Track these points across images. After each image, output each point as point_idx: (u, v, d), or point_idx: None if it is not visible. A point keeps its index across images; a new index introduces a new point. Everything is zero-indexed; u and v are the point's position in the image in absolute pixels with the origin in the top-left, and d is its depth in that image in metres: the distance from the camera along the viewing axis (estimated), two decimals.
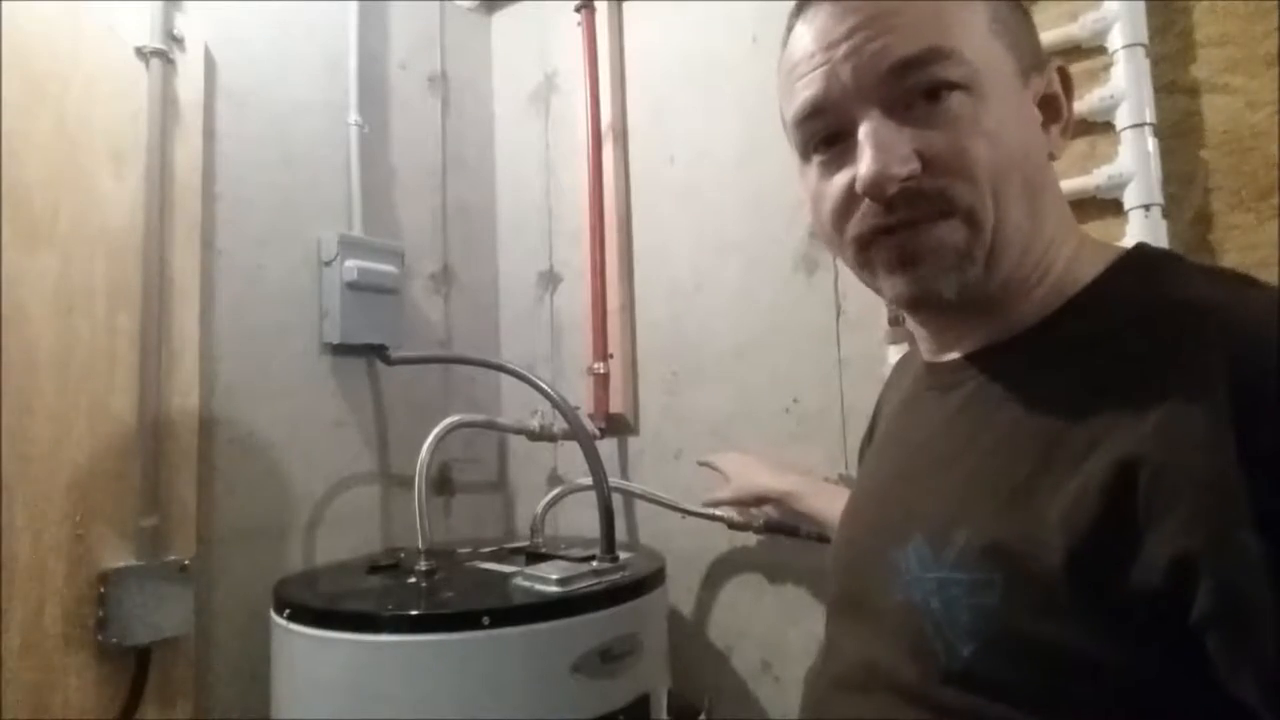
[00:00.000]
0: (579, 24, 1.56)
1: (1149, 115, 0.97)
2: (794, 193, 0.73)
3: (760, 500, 1.19)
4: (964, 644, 0.44)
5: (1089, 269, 0.50)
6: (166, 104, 1.16)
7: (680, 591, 1.38)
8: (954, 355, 0.56)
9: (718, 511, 1.29)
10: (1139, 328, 0.44)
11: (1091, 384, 0.44)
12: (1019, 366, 0.50)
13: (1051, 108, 0.54)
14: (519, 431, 1.49)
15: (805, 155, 0.55)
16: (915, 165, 0.47)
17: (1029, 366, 0.49)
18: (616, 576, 1.06)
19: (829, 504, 1.03)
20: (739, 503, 1.22)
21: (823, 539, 1.13)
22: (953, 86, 0.47)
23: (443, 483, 1.58)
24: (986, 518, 0.45)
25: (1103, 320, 0.47)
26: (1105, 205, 1.02)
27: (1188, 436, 0.38)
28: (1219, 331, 0.40)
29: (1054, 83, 0.54)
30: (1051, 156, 0.54)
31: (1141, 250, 0.52)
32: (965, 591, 0.45)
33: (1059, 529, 0.41)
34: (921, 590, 0.47)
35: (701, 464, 1.28)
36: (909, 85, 0.48)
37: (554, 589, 1.00)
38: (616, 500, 1.33)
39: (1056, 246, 0.52)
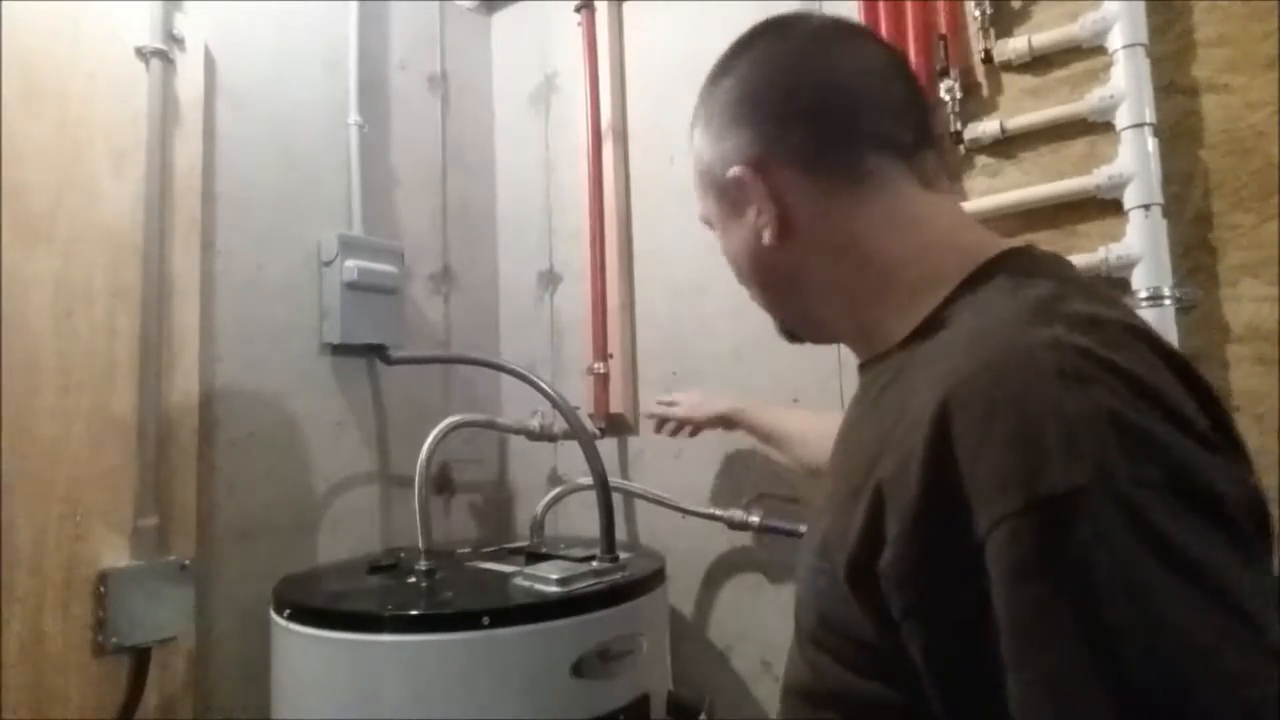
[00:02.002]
0: (579, 24, 1.56)
1: (1149, 115, 0.97)
2: None
3: (714, 420, 1.21)
4: (810, 615, 0.51)
5: (939, 291, 0.51)
6: (166, 104, 1.16)
7: (680, 591, 1.38)
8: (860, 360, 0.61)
9: (717, 512, 1.29)
10: (924, 373, 0.47)
11: (898, 410, 0.47)
12: (879, 381, 0.54)
13: (737, 205, 0.58)
14: (519, 431, 1.49)
15: None
16: None
17: (881, 384, 0.53)
18: (616, 576, 1.06)
19: (782, 416, 1.15)
20: (691, 420, 1.25)
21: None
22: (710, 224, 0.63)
23: (443, 483, 1.58)
24: (828, 516, 0.51)
25: (918, 355, 0.50)
26: (1105, 205, 1.02)
27: (904, 473, 0.41)
28: (943, 390, 0.42)
29: (729, 188, 0.57)
30: (784, 245, 0.56)
31: (983, 274, 0.50)
32: (812, 574, 0.51)
33: (850, 534, 0.45)
34: (806, 576, 0.54)
35: (659, 402, 1.31)
36: None
37: (554, 589, 1.00)
38: (616, 500, 1.33)
39: (865, 305, 0.55)
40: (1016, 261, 0.50)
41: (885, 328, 0.53)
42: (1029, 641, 0.35)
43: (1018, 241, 0.53)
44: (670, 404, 1.28)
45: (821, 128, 0.54)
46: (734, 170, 0.56)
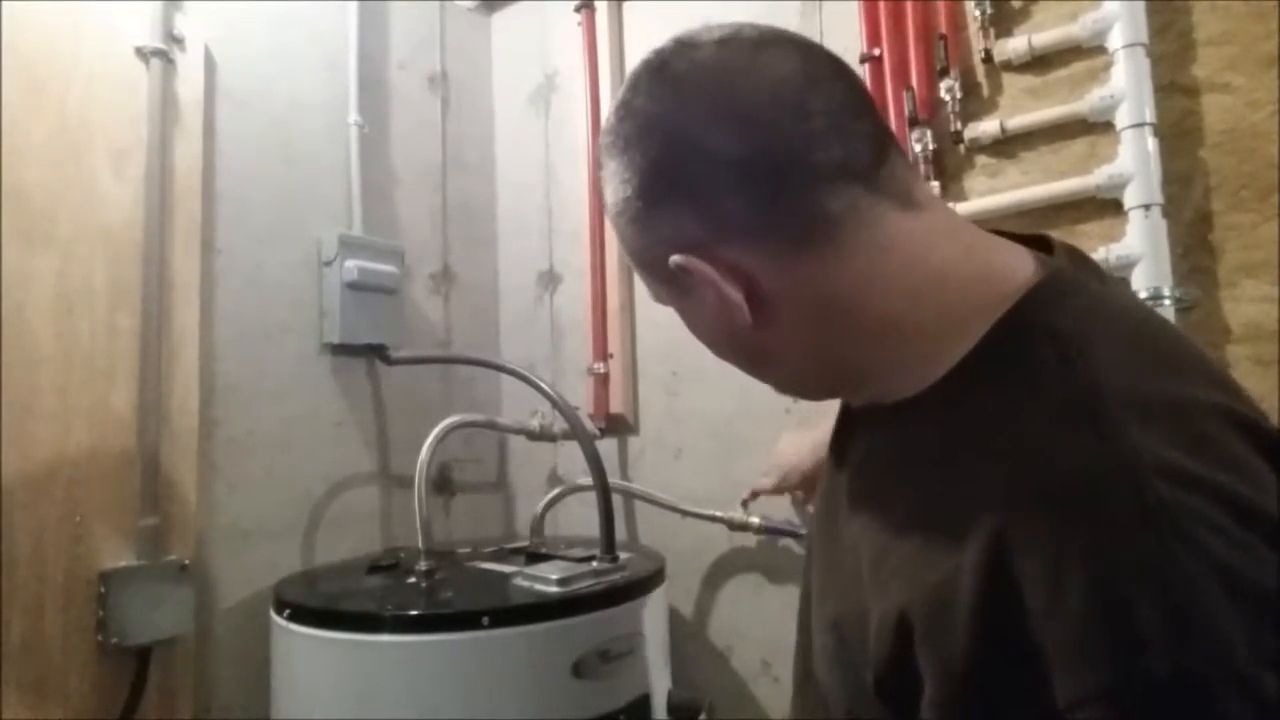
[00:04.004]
0: (579, 24, 1.56)
1: (1149, 115, 0.97)
2: None
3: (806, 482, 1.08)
4: (839, 704, 0.46)
5: (956, 342, 0.43)
6: (166, 104, 1.16)
7: (680, 591, 1.38)
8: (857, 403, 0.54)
9: (717, 513, 1.29)
10: (944, 467, 0.40)
11: (912, 504, 0.42)
12: (884, 447, 0.48)
13: (692, 290, 0.47)
14: (519, 431, 1.49)
15: None
16: None
17: (888, 453, 0.47)
18: (616, 576, 1.06)
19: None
20: (784, 488, 1.11)
21: None
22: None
23: (443, 483, 1.58)
24: (835, 594, 0.47)
25: (933, 432, 0.43)
26: (1105, 205, 1.02)
27: (946, 617, 0.36)
28: (992, 518, 0.35)
29: (676, 276, 0.46)
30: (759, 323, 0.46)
31: (1014, 327, 0.42)
32: (830, 660, 0.47)
33: (870, 646, 0.41)
34: (824, 660, 0.49)
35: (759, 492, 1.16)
36: None
37: (554, 589, 1.00)
38: (616, 500, 1.33)
39: (864, 361, 0.47)
40: (1056, 300, 0.41)
41: (890, 383, 0.46)
42: None
43: (1038, 262, 0.45)
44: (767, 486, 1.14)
45: (757, 184, 0.43)
46: (675, 259, 0.45)
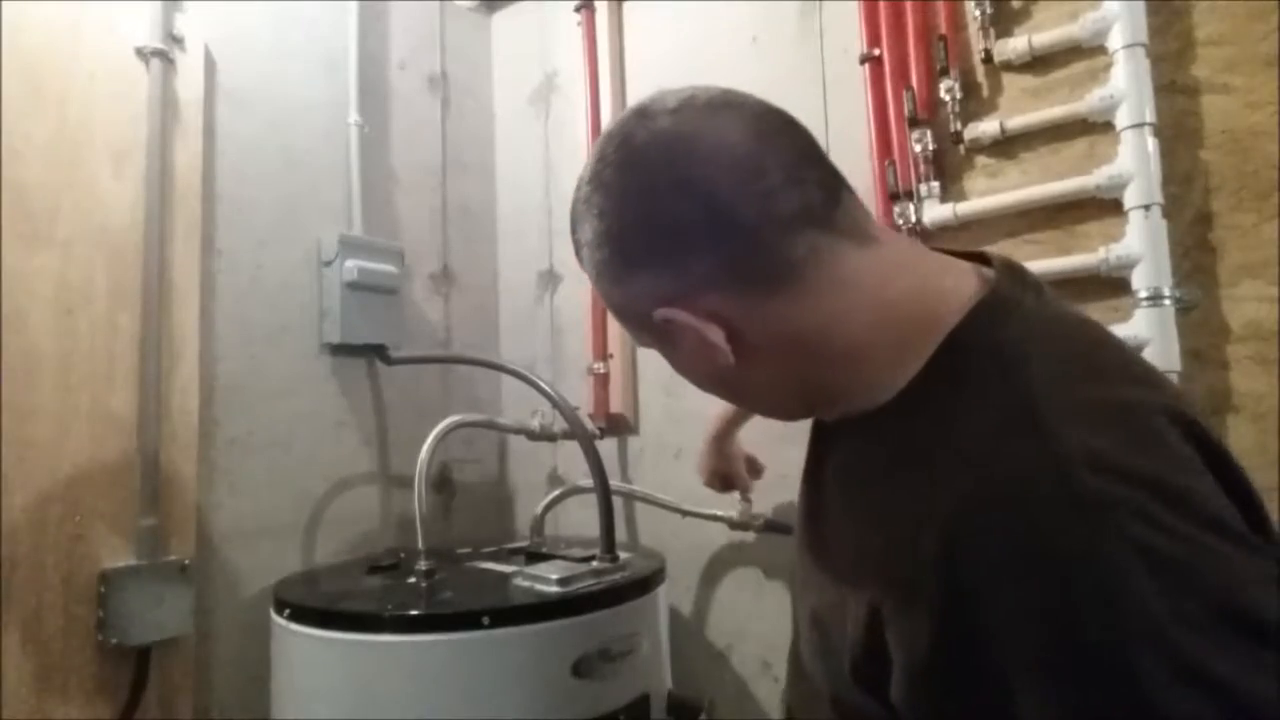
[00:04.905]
0: (579, 24, 1.56)
1: (1149, 115, 0.97)
2: None
3: (734, 470, 1.16)
4: (826, 688, 0.51)
5: (911, 361, 0.48)
6: (166, 104, 1.16)
7: (680, 591, 1.38)
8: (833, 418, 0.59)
9: (717, 512, 1.29)
10: (904, 474, 0.45)
11: (879, 509, 0.47)
12: (856, 458, 0.53)
13: (674, 338, 0.51)
14: (519, 431, 1.49)
15: None
16: None
17: (859, 464, 0.52)
18: (616, 576, 1.06)
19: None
20: (731, 470, 1.18)
21: None
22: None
23: (443, 483, 1.58)
24: (815, 588, 0.52)
25: (894, 442, 0.48)
26: (1105, 205, 1.02)
27: (909, 608, 0.41)
28: (943, 519, 0.40)
29: (659, 328, 0.50)
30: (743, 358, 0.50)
31: (958, 347, 0.47)
32: (814, 650, 0.52)
33: (848, 635, 0.46)
34: (809, 650, 0.55)
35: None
36: None
37: (554, 589, 1.00)
38: (616, 500, 1.33)
39: (832, 384, 0.51)
40: (995, 318, 0.46)
41: (857, 399, 0.51)
42: None
43: (980, 279, 0.49)
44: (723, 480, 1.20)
45: (728, 242, 0.47)
46: (659, 313, 0.49)
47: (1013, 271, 0.51)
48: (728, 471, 1.17)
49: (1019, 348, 0.44)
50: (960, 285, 0.49)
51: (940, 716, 0.40)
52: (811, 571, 0.55)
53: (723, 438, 1.15)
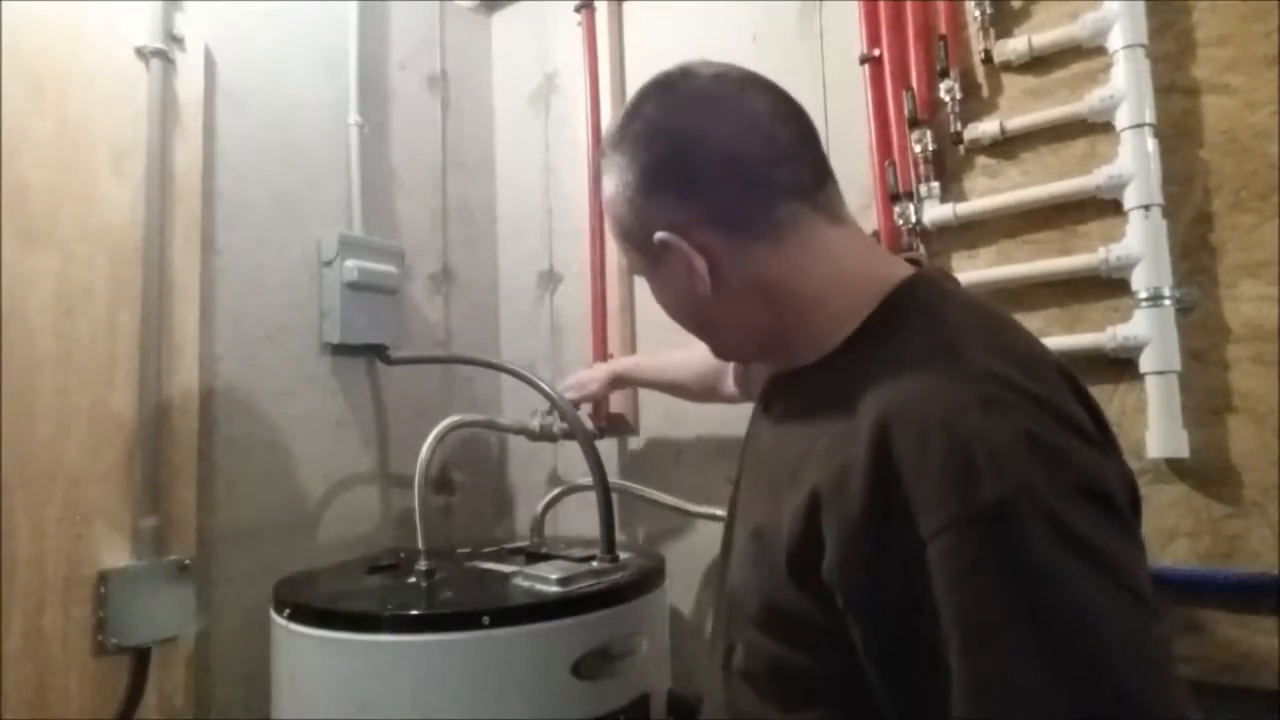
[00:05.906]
0: (579, 24, 1.56)
1: (1149, 115, 0.97)
2: None
3: (608, 387, 1.31)
4: (754, 600, 0.56)
5: (855, 318, 0.57)
6: (166, 104, 1.16)
7: (680, 591, 1.38)
8: (779, 370, 0.67)
9: (717, 512, 1.29)
10: (846, 393, 0.53)
11: (822, 423, 0.55)
12: (800, 395, 0.61)
13: (665, 262, 0.60)
14: (519, 431, 1.49)
15: None
16: None
17: (804, 398, 0.60)
18: (616, 576, 1.06)
19: (661, 367, 1.21)
20: (593, 397, 1.33)
21: None
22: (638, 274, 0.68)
23: (443, 483, 1.58)
24: (757, 509, 0.59)
25: (837, 375, 0.56)
26: (1105, 205, 1.02)
27: (845, 485, 0.48)
28: (878, 413, 0.49)
29: (656, 249, 0.59)
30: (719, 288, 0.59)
31: (894, 303, 0.57)
32: (749, 562, 0.58)
33: (785, 532, 0.52)
34: (742, 564, 0.61)
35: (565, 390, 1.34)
36: None
37: (554, 589, 1.00)
38: (616, 500, 1.33)
39: (789, 333, 0.60)
40: (925, 291, 0.57)
41: (806, 350, 0.60)
42: (975, 623, 0.42)
43: (911, 268, 0.59)
44: (573, 388, 1.34)
45: (733, 190, 0.57)
46: (659, 235, 0.58)
47: (939, 270, 0.62)
48: (596, 397, 1.34)
49: (942, 307, 0.55)
50: (899, 270, 0.59)
51: (868, 573, 0.46)
52: (753, 496, 0.63)
53: (621, 377, 1.29)
